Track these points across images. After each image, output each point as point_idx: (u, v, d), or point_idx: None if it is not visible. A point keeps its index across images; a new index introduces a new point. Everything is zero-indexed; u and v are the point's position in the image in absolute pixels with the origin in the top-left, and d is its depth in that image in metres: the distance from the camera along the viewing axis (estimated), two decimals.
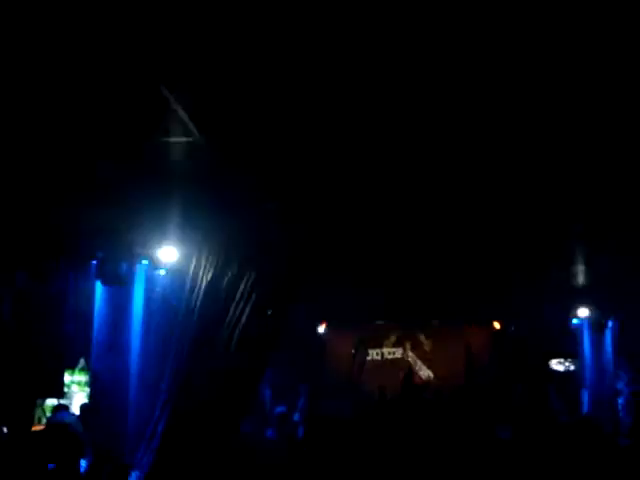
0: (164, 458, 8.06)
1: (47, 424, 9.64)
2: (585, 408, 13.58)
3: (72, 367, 11.38)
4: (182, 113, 6.83)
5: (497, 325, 15.13)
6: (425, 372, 15.74)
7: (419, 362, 15.90)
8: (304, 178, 8.67)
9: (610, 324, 13.75)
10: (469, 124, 7.51)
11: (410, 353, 16.08)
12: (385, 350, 16.25)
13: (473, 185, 9.33)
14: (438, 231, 11.06)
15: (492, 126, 7.58)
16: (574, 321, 14.28)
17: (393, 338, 16.17)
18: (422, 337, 16.06)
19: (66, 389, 11.31)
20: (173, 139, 7.55)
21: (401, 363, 15.93)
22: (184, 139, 7.49)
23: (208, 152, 7.70)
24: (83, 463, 7.52)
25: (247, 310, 9.20)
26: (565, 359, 15.49)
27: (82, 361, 11.27)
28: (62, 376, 10.98)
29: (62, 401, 10.61)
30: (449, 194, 9.63)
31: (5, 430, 8.61)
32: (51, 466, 6.88)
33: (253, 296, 9.25)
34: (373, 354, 16.18)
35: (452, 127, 7.61)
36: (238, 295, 9.16)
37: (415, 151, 8.24)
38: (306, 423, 11.29)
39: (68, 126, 7.03)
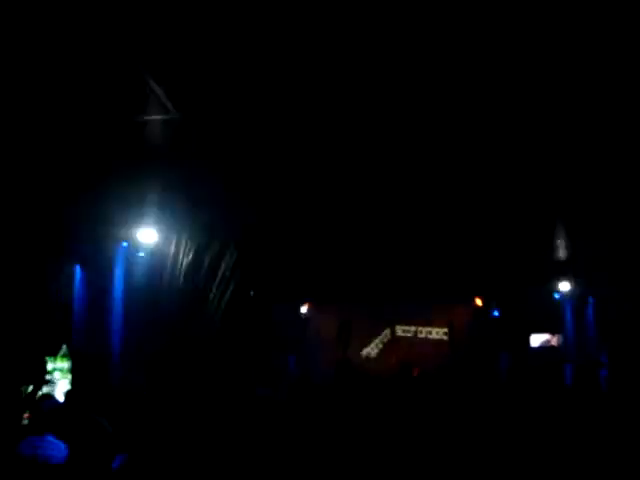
0: (149, 440, 8.02)
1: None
2: (568, 381, 13.67)
3: (54, 354, 11.27)
4: (159, 91, 6.77)
5: (479, 302, 15.14)
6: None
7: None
8: (283, 157, 8.63)
9: (591, 299, 13.86)
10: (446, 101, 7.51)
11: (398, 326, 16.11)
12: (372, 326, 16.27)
13: (455, 163, 9.31)
14: (419, 210, 11.06)
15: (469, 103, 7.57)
16: (556, 296, 14.35)
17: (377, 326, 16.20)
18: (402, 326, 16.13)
19: (49, 376, 11.20)
20: (151, 117, 7.47)
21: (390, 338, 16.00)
22: (162, 117, 7.41)
23: (186, 131, 7.62)
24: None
25: (229, 291, 9.18)
26: (547, 333, 15.58)
27: (64, 347, 11.16)
28: (44, 363, 10.87)
29: (45, 389, 10.51)
30: (431, 173, 9.61)
31: None
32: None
33: (235, 277, 9.22)
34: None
35: (429, 103, 7.59)
36: (219, 276, 9.14)
37: (394, 129, 8.21)
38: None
39: (45, 107, 6.94)
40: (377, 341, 16.15)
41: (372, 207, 10.78)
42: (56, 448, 7.20)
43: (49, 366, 11.06)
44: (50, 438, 7.30)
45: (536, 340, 15.61)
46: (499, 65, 6.60)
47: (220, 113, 7.53)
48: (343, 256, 13.09)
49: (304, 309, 15.58)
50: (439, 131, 8.33)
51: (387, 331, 16.17)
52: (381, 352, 15.97)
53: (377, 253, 13.23)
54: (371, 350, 16.11)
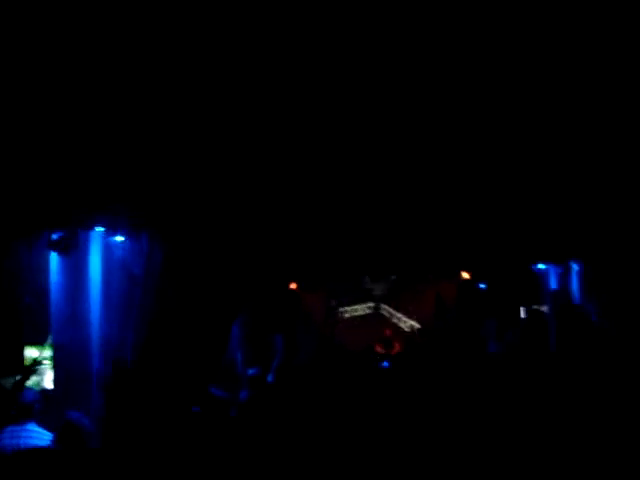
0: (129, 425, 8.01)
1: None
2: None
3: (40, 343, 11.23)
4: None
5: (466, 275, 15.17)
6: (407, 322, 15.84)
7: (397, 313, 16.00)
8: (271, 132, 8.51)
9: (575, 266, 13.84)
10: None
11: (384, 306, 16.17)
12: (358, 307, 16.31)
13: (443, 139, 9.26)
14: (403, 185, 11.01)
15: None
16: (539, 266, 14.36)
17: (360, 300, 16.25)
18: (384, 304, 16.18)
19: (36, 366, 11.16)
20: None
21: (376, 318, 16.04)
22: None
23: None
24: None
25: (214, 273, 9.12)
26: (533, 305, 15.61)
27: (51, 337, 11.13)
28: (22, 353, 10.81)
29: (34, 377, 10.49)
30: (417, 150, 9.56)
31: None
32: None
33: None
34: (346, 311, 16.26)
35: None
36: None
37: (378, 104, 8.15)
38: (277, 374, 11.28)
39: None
40: (359, 311, 16.24)
41: (358, 183, 10.73)
42: (38, 437, 7.19)
43: (35, 354, 11.04)
44: (32, 427, 7.28)
45: (525, 311, 15.65)
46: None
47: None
48: (328, 233, 13.05)
49: (292, 288, 15.64)
50: (425, 107, 8.30)
51: (370, 304, 16.25)
52: (362, 323, 16.04)
53: (363, 230, 13.20)
54: (352, 318, 16.22)
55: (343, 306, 16.15)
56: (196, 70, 6.81)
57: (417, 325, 15.68)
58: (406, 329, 15.65)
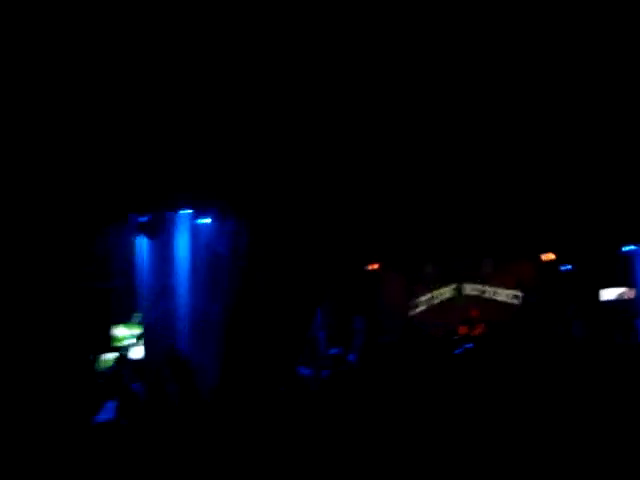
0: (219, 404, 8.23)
1: None
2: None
3: (126, 321, 11.58)
4: None
5: (550, 256, 14.87)
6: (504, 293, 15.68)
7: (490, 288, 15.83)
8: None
9: None
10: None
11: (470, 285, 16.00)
12: (435, 293, 16.21)
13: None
14: (482, 173, 10.96)
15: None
16: (627, 248, 13.97)
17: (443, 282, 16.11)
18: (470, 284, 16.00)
19: (124, 343, 11.52)
20: None
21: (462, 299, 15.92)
22: None
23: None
24: None
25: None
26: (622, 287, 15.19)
27: (137, 315, 11.46)
28: (110, 331, 11.18)
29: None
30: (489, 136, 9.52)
31: None
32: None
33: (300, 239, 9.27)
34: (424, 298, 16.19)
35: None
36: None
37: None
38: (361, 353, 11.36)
39: None
40: (441, 293, 16.12)
41: (435, 171, 10.72)
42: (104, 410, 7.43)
43: (124, 332, 11.40)
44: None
45: (611, 294, 15.25)
46: None
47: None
48: (409, 216, 13.04)
49: (373, 269, 15.64)
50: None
51: (453, 286, 16.10)
52: (445, 306, 15.91)
53: (443, 213, 13.14)
54: (434, 299, 16.10)
55: (426, 292, 16.06)
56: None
57: (517, 293, 15.42)
58: (507, 300, 15.39)
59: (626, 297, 14.96)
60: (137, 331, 11.60)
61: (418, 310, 15.88)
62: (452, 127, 9.25)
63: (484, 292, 15.82)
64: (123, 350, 11.09)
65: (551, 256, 15.02)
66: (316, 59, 6.81)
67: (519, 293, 15.43)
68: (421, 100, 8.10)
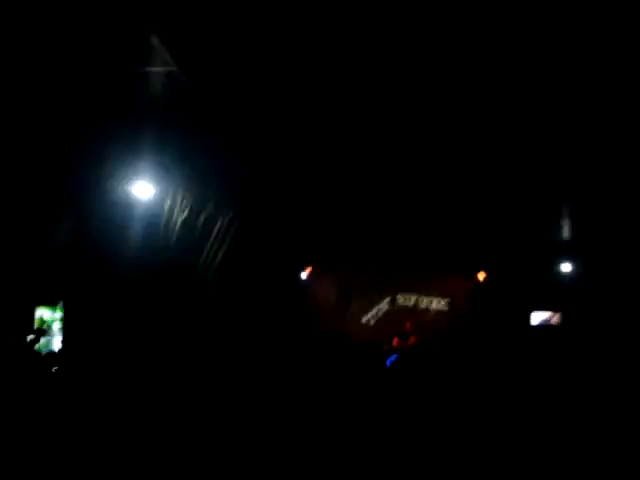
0: None
1: None
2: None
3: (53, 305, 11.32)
4: (159, 43, 6.73)
5: (482, 276, 15.04)
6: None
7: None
8: (284, 116, 8.55)
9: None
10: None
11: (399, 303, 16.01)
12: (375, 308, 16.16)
13: (461, 134, 9.24)
14: (423, 181, 11.02)
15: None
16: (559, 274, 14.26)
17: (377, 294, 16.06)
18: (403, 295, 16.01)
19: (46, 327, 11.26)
20: (152, 69, 7.43)
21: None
22: (162, 69, 7.37)
23: (184, 84, 7.57)
24: None
25: (222, 250, 9.15)
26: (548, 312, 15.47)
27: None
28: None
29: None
30: (437, 142, 9.55)
31: None
32: None
33: (229, 236, 9.19)
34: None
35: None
36: (214, 234, 9.11)
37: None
38: None
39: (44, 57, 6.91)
40: (376, 309, 16.07)
41: (376, 174, 10.73)
42: None
43: (48, 316, 11.13)
44: None
45: (536, 318, 15.52)
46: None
47: (221, 68, 7.48)
48: (345, 223, 13.04)
49: (304, 275, 15.50)
50: (442, 104, 8.27)
51: (387, 300, 16.09)
52: (380, 321, 15.89)
53: (379, 221, 13.17)
54: (371, 318, 16.04)
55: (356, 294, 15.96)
56: None
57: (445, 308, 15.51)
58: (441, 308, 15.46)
59: (552, 322, 15.26)
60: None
61: (350, 318, 15.81)
62: (395, 138, 9.30)
63: (418, 302, 15.87)
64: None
65: (481, 276, 15.19)
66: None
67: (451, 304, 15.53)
68: (361, 108, 8.13)
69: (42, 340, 10.56)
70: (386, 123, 8.93)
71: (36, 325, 10.77)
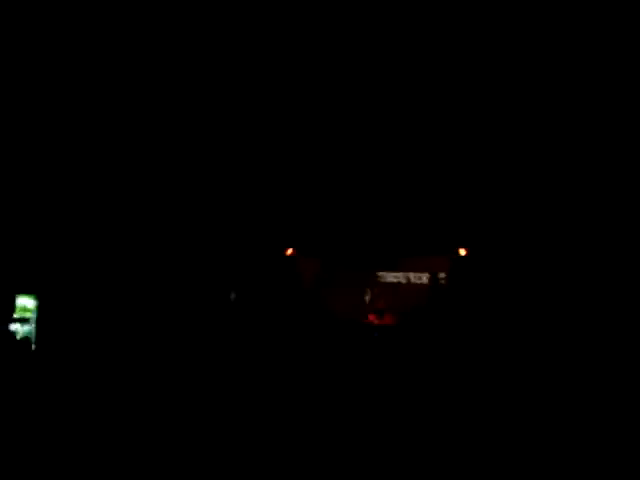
0: None
1: None
2: None
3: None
4: None
5: (463, 251, 15.08)
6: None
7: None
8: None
9: None
10: None
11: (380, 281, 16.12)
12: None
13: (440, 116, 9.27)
14: (404, 161, 11.06)
15: None
16: None
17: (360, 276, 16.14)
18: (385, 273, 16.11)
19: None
20: None
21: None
22: None
23: None
24: None
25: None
26: None
27: None
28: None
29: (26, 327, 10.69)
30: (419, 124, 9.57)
31: None
32: None
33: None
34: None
35: None
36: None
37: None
38: None
39: None
40: (359, 289, 16.14)
41: (358, 157, 10.74)
42: None
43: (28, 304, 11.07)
44: None
45: None
46: None
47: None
48: (327, 205, 13.06)
49: (287, 255, 15.52)
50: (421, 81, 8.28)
51: (369, 279, 16.16)
52: (362, 299, 15.97)
53: (362, 202, 13.20)
54: (352, 297, 16.10)
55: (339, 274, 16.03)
56: None
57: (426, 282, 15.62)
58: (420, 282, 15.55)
59: None
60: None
61: (333, 298, 15.87)
62: (381, 122, 9.31)
63: (398, 279, 15.95)
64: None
65: (462, 252, 15.24)
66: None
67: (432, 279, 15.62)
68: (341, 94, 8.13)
69: (25, 328, 10.58)
70: (366, 108, 8.96)
71: (18, 314, 10.75)
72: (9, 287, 10.37)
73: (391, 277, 16.05)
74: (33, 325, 10.93)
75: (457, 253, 15.07)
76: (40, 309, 10.07)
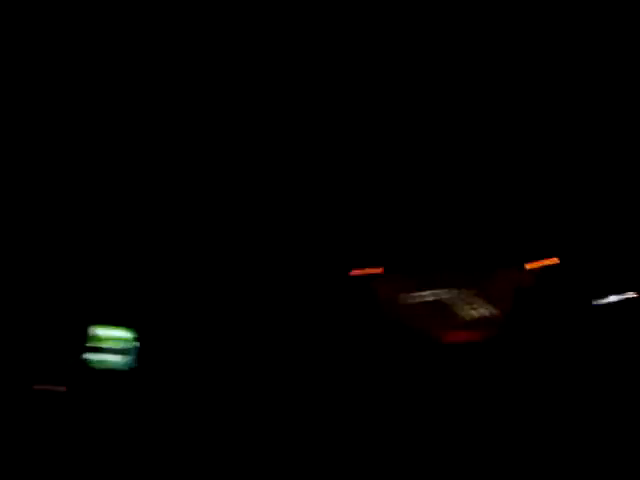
0: None
1: None
2: None
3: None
4: None
5: (530, 266, 14.63)
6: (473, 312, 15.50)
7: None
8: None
9: None
10: None
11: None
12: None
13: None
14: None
15: None
16: None
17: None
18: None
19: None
20: None
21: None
22: None
23: None
24: None
25: None
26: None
27: None
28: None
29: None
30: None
31: None
32: None
33: None
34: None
35: None
36: None
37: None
38: None
39: None
40: (424, 306, 15.94)
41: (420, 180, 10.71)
42: None
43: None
44: None
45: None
46: None
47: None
48: (393, 227, 13.05)
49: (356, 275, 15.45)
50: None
51: (435, 297, 15.93)
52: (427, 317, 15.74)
53: (425, 221, 13.14)
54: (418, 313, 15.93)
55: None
56: None
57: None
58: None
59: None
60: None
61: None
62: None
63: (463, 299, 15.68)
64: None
65: (530, 266, 14.81)
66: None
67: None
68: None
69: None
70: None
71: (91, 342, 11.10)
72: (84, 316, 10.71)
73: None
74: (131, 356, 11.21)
75: (545, 264, 14.73)
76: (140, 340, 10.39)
